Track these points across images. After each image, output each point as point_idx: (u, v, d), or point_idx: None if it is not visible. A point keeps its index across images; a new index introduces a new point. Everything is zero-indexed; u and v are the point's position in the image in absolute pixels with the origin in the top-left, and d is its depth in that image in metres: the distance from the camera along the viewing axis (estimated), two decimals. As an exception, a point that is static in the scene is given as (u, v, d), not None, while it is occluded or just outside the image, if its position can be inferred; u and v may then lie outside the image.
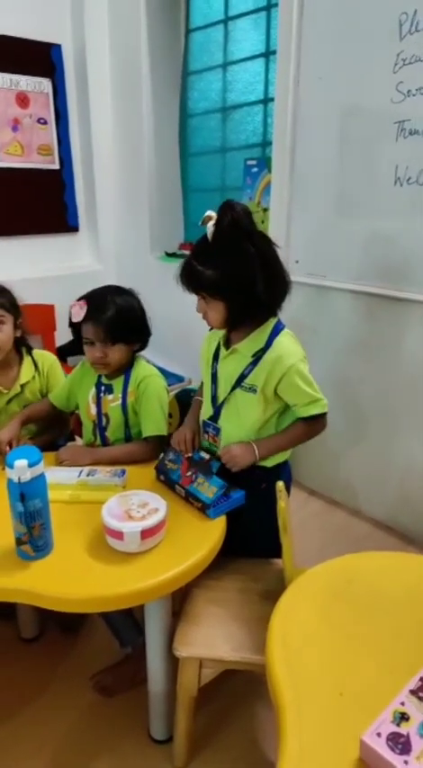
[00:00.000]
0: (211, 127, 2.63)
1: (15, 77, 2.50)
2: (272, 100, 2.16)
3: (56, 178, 2.76)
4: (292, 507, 1.08)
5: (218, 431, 1.27)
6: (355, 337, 1.92)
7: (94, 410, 1.40)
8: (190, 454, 1.28)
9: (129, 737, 1.25)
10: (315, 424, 1.24)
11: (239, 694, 1.35)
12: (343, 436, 2.01)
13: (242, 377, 1.21)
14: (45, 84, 2.61)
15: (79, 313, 1.28)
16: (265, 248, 1.12)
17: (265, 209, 2.23)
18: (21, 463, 0.91)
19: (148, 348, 1.43)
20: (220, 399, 1.26)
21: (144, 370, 1.40)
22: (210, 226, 1.09)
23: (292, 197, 2.00)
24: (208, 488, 1.16)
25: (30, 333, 1.52)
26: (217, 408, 1.27)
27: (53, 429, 1.54)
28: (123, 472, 1.24)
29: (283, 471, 1.29)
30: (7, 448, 1.28)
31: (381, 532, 1.95)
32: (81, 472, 1.23)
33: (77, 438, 1.65)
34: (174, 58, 2.63)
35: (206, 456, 1.24)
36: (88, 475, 1.23)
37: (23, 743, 1.25)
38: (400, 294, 1.74)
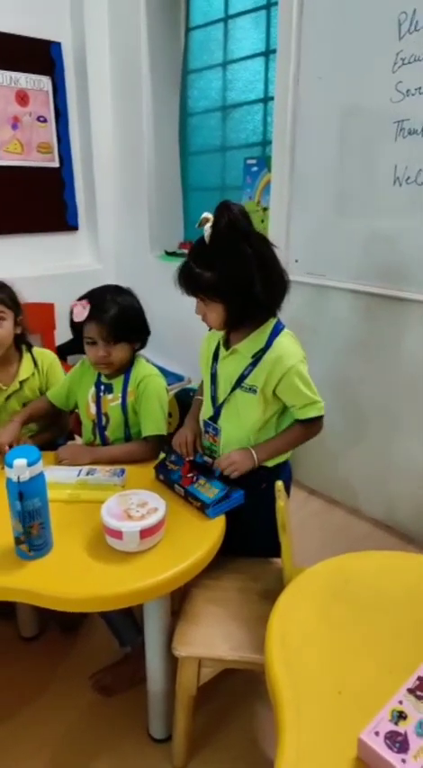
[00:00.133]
0: (211, 126, 2.63)
1: (15, 75, 2.50)
2: (272, 99, 2.16)
3: (55, 176, 2.76)
4: (291, 507, 1.08)
5: (218, 431, 1.27)
6: (354, 337, 1.92)
7: (93, 409, 1.40)
8: (191, 457, 1.28)
9: (128, 737, 1.26)
10: (312, 426, 1.24)
11: (238, 693, 1.35)
12: (342, 436, 2.01)
13: (242, 377, 1.21)
14: (45, 82, 2.60)
15: (82, 313, 1.28)
16: (263, 249, 1.12)
17: (265, 209, 2.23)
18: (20, 462, 0.91)
19: (147, 347, 1.43)
20: (220, 400, 1.26)
21: (144, 369, 1.40)
22: (207, 227, 1.09)
23: (292, 196, 2.00)
24: (209, 489, 1.16)
25: (30, 331, 1.52)
26: (217, 409, 1.27)
27: (53, 428, 1.54)
28: (123, 472, 1.24)
29: (283, 471, 1.30)
30: (6, 448, 1.28)
31: (380, 532, 1.95)
32: (80, 471, 1.23)
33: (77, 437, 1.66)
34: (174, 56, 2.63)
35: (209, 460, 1.24)
36: (87, 474, 1.23)
37: (23, 742, 1.25)
38: (399, 294, 1.74)
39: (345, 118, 1.78)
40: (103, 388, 1.40)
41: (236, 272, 1.08)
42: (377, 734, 0.64)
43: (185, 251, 2.60)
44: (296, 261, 2.01)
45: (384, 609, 0.89)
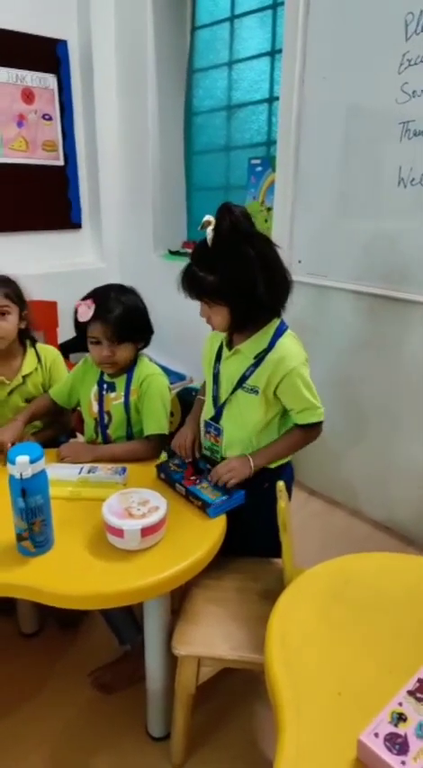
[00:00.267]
0: (216, 125, 2.63)
1: (21, 73, 2.50)
2: (277, 99, 2.15)
3: (60, 174, 2.76)
4: (292, 507, 1.08)
5: (219, 431, 1.27)
6: (356, 338, 1.92)
7: (95, 408, 1.41)
8: (189, 459, 1.29)
9: (127, 735, 1.26)
10: (311, 431, 1.24)
11: (238, 693, 1.35)
12: (344, 436, 2.01)
13: (243, 378, 1.20)
14: (50, 80, 2.60)
15: (87, 312, 1.28)
16: (266, 250, 1.12)
17: (269, 209, 2.23)
18: (22, 459, 0.92)
19: (150, 346, 1.43)
20: (222, 400, 1.25)
21: (147, 368, 1.40)
22: (209, 230, 1.09)
23: (296, 196, 2.00)
24: (211, 492, 1.16)
25: (34, 328, 1.53)
26: (218, 409, 1.27)
27: (54, 426, 1.55)
28: (124, 470, 1.24)
29: (285, 472, 1.30)
30: (9, 446, 1.29)
31: (380, 533, 1.95)
32: (82, 469, 1.24)
33: (79, 435, 1.66)
34: (179, 55, 2.63)
35: (211, 469, 1.24)
36: (89, 472, 1.23)
37: (22, 739, 1.25)
38: (402, 295, 1.74)
39: (350, 118, 1.78)
40: (105, 386, 1.40)
41: (239, 274, 1.08)
42: (377, 735, 0.64)
43: (189, 250, 2.60)
44: (299, 261, 2.01)
45: (384, 610, 0.89)
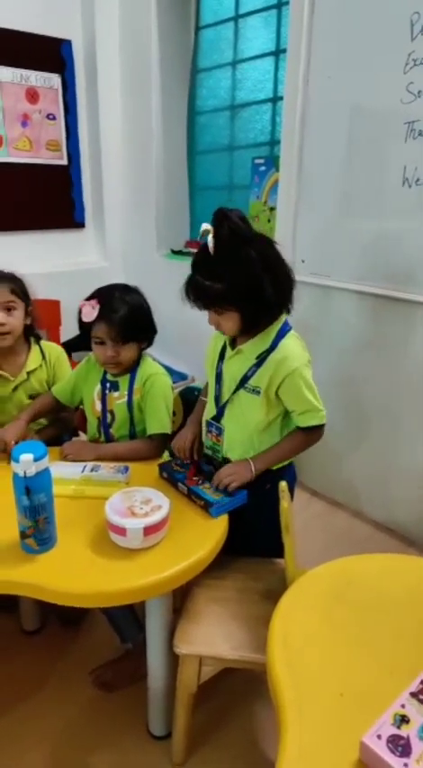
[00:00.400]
0: (220, 125, 2.63)
1: (25, 73, 2.50)
2: (281, 98, 2.15)
3: (64, 174, 2.76)
4: (294, 508, 1.08)
5: (221, 431, 1.27)
6: (359, 338, 1.92)
7: (98, 407, 1.41)
8: (188, 461, 1.29)
9: (128, 733, 1.26)
10: (312, 434, 1.23)
11: (239, 693, 1.35)
12: (346, 437, 2.01)
13: (246, 378, 1.20)
14: (55, 80, 2.61)
15: (91, 313, 1.27)
16: (268, 250, 1.12)
17: (272, 208, 2.23)
18: (26, 457, 0.92)
19: (152, 345, 1.43)
20: (224, 399, 1.25)
21: (150, 368, 1.40)
22: (209, 239, 1.08)
23: (300, 196, 2.00)
24: (213, 492, 1.17)
25: (38, 326, 1.53)
26: (220, 408, 1.27)
27: (57, 424, 1.55)
28: (126, 469, 1.24)
29: (287, 472, 1.29)
30: (12, 444, 1.29)
31: (382, 534, 1.95)
32: (84, 467, 1.24)
33: (81, 434, 1.66)
34: (183, 55, 2.63)
35: (213, 470, 1.24)
36: (92, 470, 1.23)
37: (23, 736, 1.25)
38: (405, 295, 1.73)
39: (354, 118, 1.77)
40: (108, 385, 1.40)
41: (246, 278, 1.08)
42: (379, 737, 0.64)
43: (192, 249, 2.60)
44: (303, 261, 2.01)
45: (386, 611, 0.89)
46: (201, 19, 2.58)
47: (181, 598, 1.19)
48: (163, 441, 1.37)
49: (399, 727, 0.65)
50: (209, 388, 1.32)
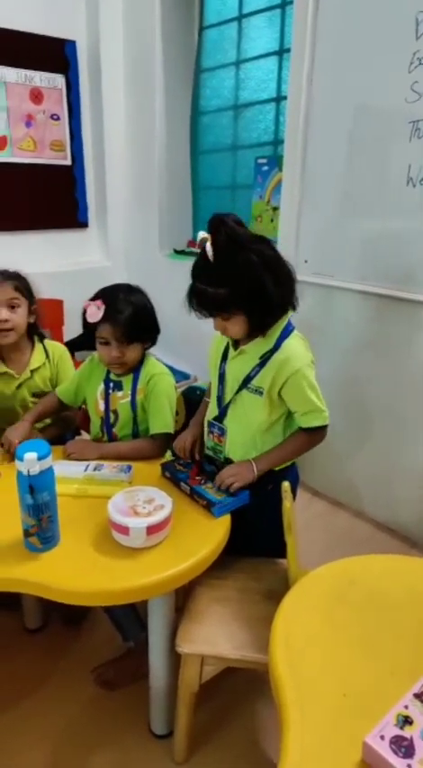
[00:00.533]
0: (223, 124, 2.63)
1: (30, 73, 2.51)
2: (284, 98, 2.15)
3: (67, 174, 2.77)
4: (296, 508, 1.08)
5: (223, 431, 1.27)
6: (362, 338, 1.92)
7: (102, 406, 1.41)
8: (189, 461, 1.29)
9: (130, 731, 1.26)
10: (315, 435, 1.23)
11: (240, 692, 1.36)
12: (349, 437, 2.00)
13: (248, 378, 1.20)
14: (59, 80, 2.61)
15: (96, 314, 1.28)
16: (266, 251, 1.11)
17: (275, 208, 2.23)
18: (30, 456, 0.92)
19: (155, 345, 1.43)
20: (227, 400, 1.25)
21: (154, 367, 1.40)
22: (208, 246, 1.08)
23: (303, 196, 2.00)
24: (215, 492, 1.17)
25: (41, 325, 1.54)
26: (223, 409, 1.27)
27: (59, 423, 1.55)
28: (129, 468, 1.25)
29: (289, 473, 1.29)
30: (17, 443, 1.29)
31: (383, 534, 1.95)
32: (87, 466, 1.24)
33: (84, 433, 1.66)
34: (187, 54, 2.63)
35: (215, 470, 1.24)
36: (95, 470, 1.23)
37: (24, 734, 1.26)
38: (408, 295, 1.73)
39: (358, 118, 1.77)
40: (112, 385, 1.40)
41: (247, 281, 1.08)
42: (382, 738, 0.64)
43: (194, 249, 2.60)
44: (305, 261, 2.01)
45: (388, 612, 0.89)
46: (204, 19, 2.58)
47: (183, 597, 1.19)
48: (166, 440, 1.37)
49: (402, 728, 0.65)
50: (211, 388, 1.32)
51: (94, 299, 1.31)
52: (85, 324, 1.32)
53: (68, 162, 2.75)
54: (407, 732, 0.65)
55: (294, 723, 0.70)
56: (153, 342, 1.41)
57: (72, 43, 2.61)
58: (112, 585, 0.96)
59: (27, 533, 0.99)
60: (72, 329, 2.06)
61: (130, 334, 1.30)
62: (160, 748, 1.22)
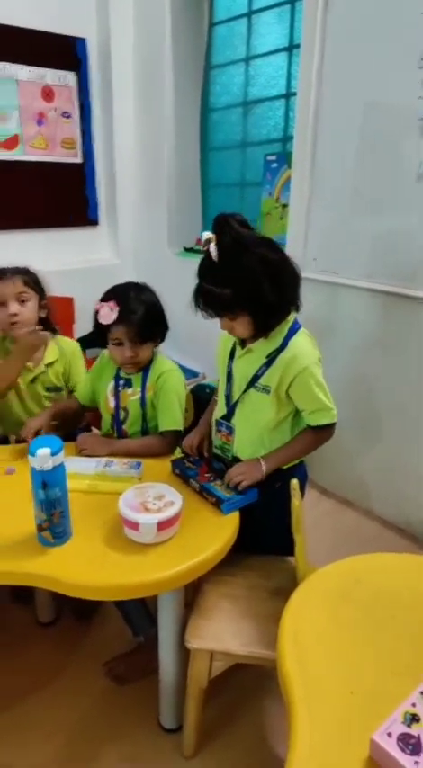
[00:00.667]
0: (232, 121, 2.62)
1: (41, 71, 2.52)
2: (294, 94, 2.14)
3: (78, 172, 2.78)
4: (304, 506, 1.08)
5: (231, 430, 1.28)
6: (370, 336, 1.91)
7: (112, 403, 1.42)
8: (198, 457, 1.30)
9: (139, 725, 1.28)
10: (323, 433, 1.23)
11: (249, 688, 1.37)
12: (357, 435, 2.00)
13: (256, 377, 1.21)
14: (70, 78, 2.62)
15: (110, 315, 1.28)
16: (269, 253, 1.10)
17: (284, 205, 2.22)
18: (43, 452, 0.94)
19: (163, 342, 1.44)
20: (235, 398, 1.26)
21: (163, 365, 1.41)
22: (212, 247, 1.09)
23: (312, 193, 1.99)
24: (225, 490, 1.17)
25: (53, 320, 1.56)
26: (231, 407, 1.27)
27: (69, 419, 1.57)
28: (139, 464, 1.26)
29: (298, 471, 1.30)
30: (32, 432, 1.33)
31: (392, 533, 1.94)
32: (98, 463, 1.25)
33: (94, 429, 1.68)
34: (197, 51, 2.62)
35: (225, 468, 1.25)
36: (105, 466, 1.24)
37: (37, 725, 1.28)
38: (417, 293, 1.72)
39: (368, 115, 1.76)
40: (122, 382, 1.42)
41: (253, 282, 1.08)
42: (390, 735, 0.64)
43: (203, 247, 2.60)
44: (314, 259, 2.00)
45: (394, 610, 0.89)
46: (214, 15, 2.57)
47: (192, 594, 1.20)
48: (175, 437, 1.38)
49: (409, 726, 0.66)
50: (219, 386, 1.33)
51: (105, 299, 1.31)
52: (97, 324, 1.33)
53: (79, 160, 2.76)
54: (414, 730, 0.65)
55: (302, 720, 0.71)
56: (162, 339, 1.42)
57: (83, 41, 2.62)
58: (123, 580, 0.97)
59: (40, 528, 1.01)
60: (82, 326, 2.08)
61: (143, 333, 1.31)
62: (169, 742, 1.24)
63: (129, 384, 1.41)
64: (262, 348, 1.20)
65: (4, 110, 2.46)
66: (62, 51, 2.56)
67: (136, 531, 1.02)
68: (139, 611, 1.35)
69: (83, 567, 0.98)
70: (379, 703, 0.71)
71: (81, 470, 1.22)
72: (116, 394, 1.42)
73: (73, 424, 1.58)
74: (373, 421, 1.96)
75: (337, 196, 1.91)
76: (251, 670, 1.30)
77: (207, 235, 1.10)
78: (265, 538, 1.26)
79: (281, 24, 2.30)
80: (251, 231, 1.12)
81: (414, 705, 0.68)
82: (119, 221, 2.93)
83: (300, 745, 0.68)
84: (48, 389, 1.53)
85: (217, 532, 1.09)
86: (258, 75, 2.45)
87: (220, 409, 1.31)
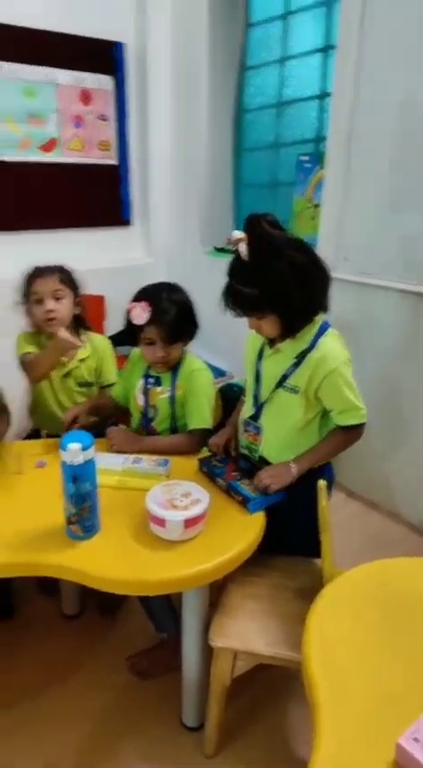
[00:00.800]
0: (266, 122, 2.62)
1: (80, 75, 2.58)
2: (328, 95, 2.12)
3: (113, 173, 2.83)
4: (331, 507, 1.07)
5: (259, 430, 1.27)
6: (400, 336, 1.87)
7: (141, 401, 1.44)
8: (225, 456, 1.30)
9: (161, 722, 1.29)
10: (353, 433, 1.22)
11: (272, 689, 1.36)
12: (385, 437, 1.96)
13: (284, 377, 1.20)
14: (107, 82, 2.67)
15: (142, 315, 1.29)
16: (298, 256, 1.10)
17: (316, 206, 2.20)
18: (74, 447, 0.96)
19: (193, 341, 1.45)
20: (263, 398, 1.26)
21: (193, 363, 1.42)
22: (242, 246, 1.09)
23: (345, 193, 1.97)
24: (252, 489, 1.17)
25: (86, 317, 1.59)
26: (258, 407, 1.27)
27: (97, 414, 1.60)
28: (167, 462, 1.27)
29: (325, 472, 1.28)
30: (68, 420, 1.37)
31: (418, 537, 1.91)
32: (126, 459, 1.27)
33: (121, 426, 1.70)
34: (232, 53, 2.63)
35: (253, 467, 1.24)
36: (134, 462, 1.26)
37: (59, 717, 1.30)
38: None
39: (405, 114, 1.73)
40: (152, 380, 1.43)
41: (281, 284, 1.08)
42: (416, 740, 0.63)
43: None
44: (345, 259, 1.98)
45: (420, 615, 0.87)
46: (250, 17, 2.58)
47: (217, 593, 1.21)
48: (203, 436, 1.38)
49: (437, 734, 0.64)
50: (247, 386, 1.33)
51: (137, 299, 1.33)
52: (129, 323, 1.34)
53: (115, 161, 2.81)
54: (443, 738, 0.64)
55: (327, 722, 0.70)
56: (192, 338, 1.43)
57: (121, 45, 2.66)
58: (149, 576, 0.98)
59: (69, 521, 1.03)
60: (113, 324, 2.12)
61: (175, 334, 1.32)
62: (190, 740, 1.24)
63: (158, 382, 1.43)
64: (290, 348, 1.19)
65: (44, 113, 2.53)
66: (101, 55, 2.61)
67: (162, 528, 1.03)
68: (163, 608, 1.36)
69: (109, 562, 1.00)
70: (404, 707, 0.70)
71: (110, 466, 1.24)
72: (145, 392, 1.43)
73: (105, 421, 1.61)
74: (400, 423, 1.93)
75: (371, 196, 1.88)
76: (274, 670, 1.29)
77: (237, 234, 1.10)
78: (290, 538, 1.25)
79: (316, 25, 2.28)
80: (282, 232, 1.11)
81: (443, 714, 0.67)
82: (152, 221, 2.96)
83: (324, 747, 0.67)
84: (79, 384, 1.56)
85: (243, 532, 1.09)
86: (292, 76, 2.44)
87: (247, 409, 1.31)
